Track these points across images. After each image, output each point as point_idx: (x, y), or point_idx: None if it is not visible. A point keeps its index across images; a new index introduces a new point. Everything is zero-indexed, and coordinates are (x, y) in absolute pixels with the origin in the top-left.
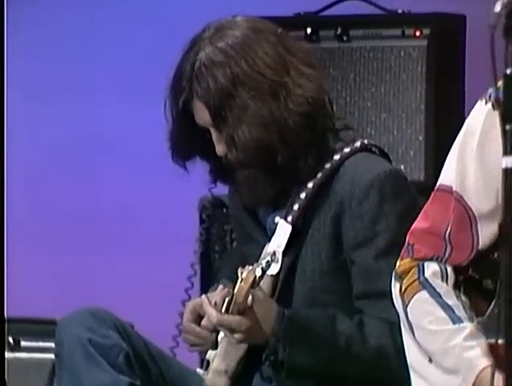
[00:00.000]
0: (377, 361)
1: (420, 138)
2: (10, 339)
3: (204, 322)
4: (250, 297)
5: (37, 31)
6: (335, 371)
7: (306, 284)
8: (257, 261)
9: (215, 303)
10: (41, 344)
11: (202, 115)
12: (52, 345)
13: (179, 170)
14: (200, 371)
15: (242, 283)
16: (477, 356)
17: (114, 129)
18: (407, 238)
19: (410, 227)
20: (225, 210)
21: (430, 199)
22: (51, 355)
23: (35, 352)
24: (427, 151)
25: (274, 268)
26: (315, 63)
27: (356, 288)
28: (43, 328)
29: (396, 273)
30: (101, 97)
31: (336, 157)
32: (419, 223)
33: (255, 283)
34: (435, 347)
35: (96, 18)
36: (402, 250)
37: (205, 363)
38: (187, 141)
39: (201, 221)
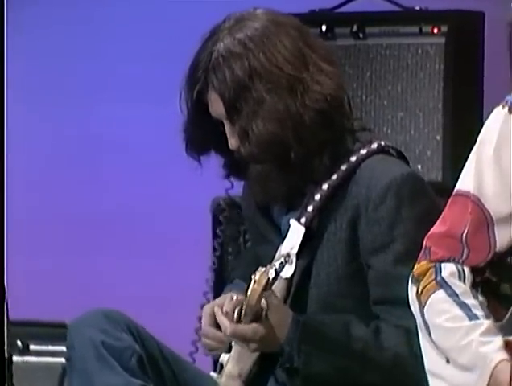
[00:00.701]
0: (394, 369)
1: (438, 138)
2: (19, 343)
3: None
4: (264, 301)
5: (37, 31)
6: (350, 379)
7: (321, 288)
8: (271, 262)
9: (226, 313)
10: (50, 348)
11: (216, 107)
12: (62, 349)
13: (189, 168)
14: (213, 374)
15: (255, 285)
16: (493, 351)
17: (120, 128)
18: (425, 242)
19: (428, 231)
20: (238, 210)
21: (447, 205)
22: (61, 359)
23: (44, 356)
24: (444, 151)
25: (288, 271)
26: (335, 60)
27: (373, 293)
28: (52, 331)
29: (413, 275)
30: (105, 97)
31: (353, 158)
32: (436, 228)
33: (268, 285)
34: (452, 344)
35: (96, 17)
36: (420, 254)
37: (219, 367)
38: (201, 134)
39: (217, 222)
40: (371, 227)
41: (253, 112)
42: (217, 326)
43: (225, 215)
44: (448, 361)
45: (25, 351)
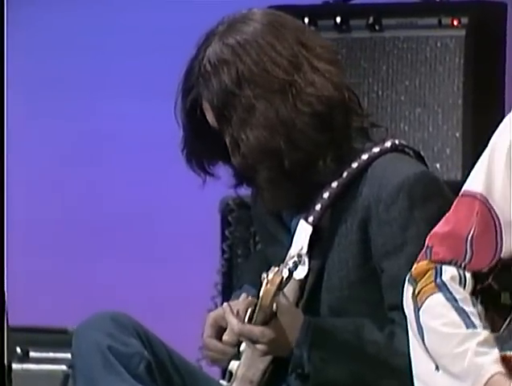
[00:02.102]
0: (407, 375)
1: (457, 135)
2: (18, 350)
3: (226, 337)
4: (274, 303)
5: (37, 27)
6: (363, 385)
7: (333, 293)
8: (281, 263)
9: (237, 312)
10: (51, 355)
11: (209, 116)
12: (63, 355)
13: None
14: (223, 382)
15: (269, 285)
16: (489, 362)
17: (121, 125)
18: (427, 241)
19: None
20: (248, 211)
21: (453, 206)
22: (62, 367)
23: (45, 363)
24: (464, 149)
25: (302, 272)
26: (334, 58)
27: (387, 298)
28: (53, 338)
29: (411, 275)
30: (106, 93)
31: (364, 156)
32: (439, 228)
33: (282, 285)
34: (446, 351)
35: (96, 11)
36: (420, 254)
37: (228, 375)
38: (201, 144)
39: (226, 223)
40: (382, 229)
41: (243, 121)
42: (218, 337)
43: (234, 216)
44: (437, 368)
45: (25, 358)
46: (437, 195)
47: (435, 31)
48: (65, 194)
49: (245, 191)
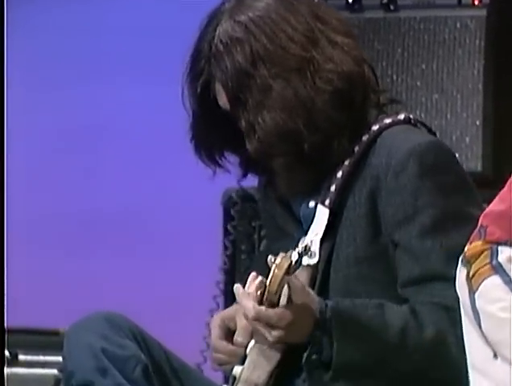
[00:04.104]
0: (436, 349)
1: (477, 123)
2: (7, 353)
3: (239, 338)
4: (286, 287)
5: (38, 20)
6: (388, 368)
7: (340, 272)
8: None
9: (248, 295)
10: (42, 358)
11: (222, 99)
12: (55, 359)
13: (197, 157)
14: None
15: (276, 270)
16: None
17: (118, 115)
18: (480, 220)
19: (459, 204)
20: (252, 204)
21: (507, 185)
22: (54, 371)
23: (36, 367)
24: (484, 137)
25: (313, 258)
26: (351, 31)
27: (401, 275)
28: (44, 340)
29: (464, 257)
30: (106, 79)
31: (374, 127)
32: (494, 206)
33: (291, 269)
34: (504, 337)
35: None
36: (473, 234)
37: (231, 379)
38: (213, 131)
39: (229, 217)
40: (392, 199)
41: (259, 103)
42: (228, 338)
43: (237, 209)
44: (495, 355)
45: (14, 361)
46: (450, 166)
47: (455, 11)
48: (59, 187)
49: (248, 183)
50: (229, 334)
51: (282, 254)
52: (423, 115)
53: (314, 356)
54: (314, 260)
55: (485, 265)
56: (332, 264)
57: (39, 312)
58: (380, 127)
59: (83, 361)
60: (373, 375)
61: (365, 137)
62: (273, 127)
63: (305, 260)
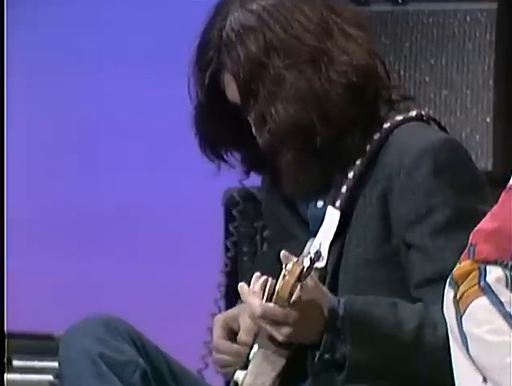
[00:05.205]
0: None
1: (488, 120)
2: None
3: (242, 337)
4: (297, 291)
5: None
6: (403, 367)
7: (349, 274)
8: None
9: (253, 293)
10: (36, 364)
11: (232, 90)
12: (50, 364)
13: (197, 155)
14: None
15: (287, 276)
16: None
17: (114, 110)
18: (470, 238)
19: (473, 204)
20: (254, 204)
21: (499, 201)
22: (49, 377)
23: (30, 373)
24: (495, 135)
25: (322, 261)
26: (364, 24)
27: (414, 276)
28: (38, 345)
29: (452, 277)
30: (105, 73)
31: (386, 125)
32: (484, 224)
33: (303, 276)
34: (493, 362)
35: None
36: (463, 253)
37: (233, 385)
38: (220, 124)
39: (230, 218)
40: (404, 198)
41: (272, 94)
42: (231, 339)
43: (239, 210)
44: (484, 380)
45: (8, 367)
46: (464, 164)
47: (464, 4)
48: (52, 186)
49: (250, 182)
50: (232, 335)
51: (293, 259)
52: (431, 112)
53: (326, 356)
54: (322, 264)
55: (473, 286)
56: (342, 266)
57: (32, 315)
58: (391, 124)
59: (79, 366)
60: (386, 376)
61: (376, 136)
62: (286, 119)
63: (316, 264)
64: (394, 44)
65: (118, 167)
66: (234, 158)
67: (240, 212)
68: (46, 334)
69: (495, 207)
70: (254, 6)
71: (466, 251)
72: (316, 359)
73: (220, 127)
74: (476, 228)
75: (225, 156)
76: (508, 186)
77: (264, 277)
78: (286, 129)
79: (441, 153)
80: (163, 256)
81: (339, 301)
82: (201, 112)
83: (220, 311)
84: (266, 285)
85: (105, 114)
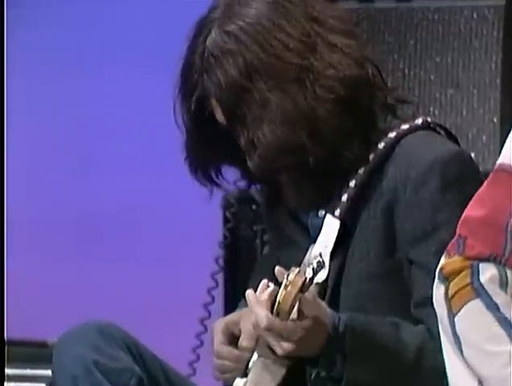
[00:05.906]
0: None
1: (495, 120)
2: None
3: (244, 342)
4: (297, 304)
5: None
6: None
7: (351, 288)
8: (302, 264)
9: (260, 302)
10: (29, 372)
11: (220, 114)
12: (43, 372)
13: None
14: None
15: (289, 287)
16: None
17: (113, 111)
18: (458, 228)
19: None
20: (253, 207)
21: (486, 182)
22: (42, 385)
23: (22, 381)
24: (502, 135)
25: (322, 274)
26: (351, 29)
27: (416, 294)
28: (31, 352)
29: (441, 272)
30: (100, 72)
31: (392, 134)
32: (473, 210)
33: (305, 287)
34: (491, 373)
35: None
36: (451, 243)
37: None
38: (211, 149)
39: (225, 220)
40: (410, 212)
41: (258, 118)
42: (232, 344)
43: (233, 212)
44: (481, 383)
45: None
46: (473, 178)
47: (471, 0)
48: (52, 187)
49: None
50: (232, 340)
51: (295, 270)
52: (436, 111)
53: (323, 372)
54: (324, 274)
55: (465, 286)
56: (343, 280)
57: (25, 322)
58: (398, 134)
59: (74, 374)
60: None
61: (380, 145)
62: (273, 141)
63: (318, 276)
64: (399, 42)
65: (118, 168)
66: (226, 180)
67: (235, 214)
68: (38, 341)
69: (482, 190)
70: (231, 27)
71: (454, 242)
72: (314, 375)
73: (211, 150)
74: (463, 217)
75: (216, 179)
76: (496, 166)
77: (272, 287)
78: (275, 151)
79: (449, 167)
80: (163, 258)
81: (339, 318)
82: (190, 138)
83: (210, 315)
84: (274, 296)
85: (105, 114)
